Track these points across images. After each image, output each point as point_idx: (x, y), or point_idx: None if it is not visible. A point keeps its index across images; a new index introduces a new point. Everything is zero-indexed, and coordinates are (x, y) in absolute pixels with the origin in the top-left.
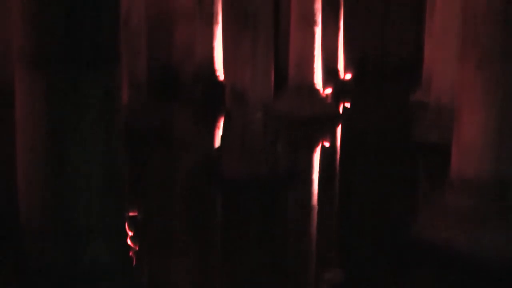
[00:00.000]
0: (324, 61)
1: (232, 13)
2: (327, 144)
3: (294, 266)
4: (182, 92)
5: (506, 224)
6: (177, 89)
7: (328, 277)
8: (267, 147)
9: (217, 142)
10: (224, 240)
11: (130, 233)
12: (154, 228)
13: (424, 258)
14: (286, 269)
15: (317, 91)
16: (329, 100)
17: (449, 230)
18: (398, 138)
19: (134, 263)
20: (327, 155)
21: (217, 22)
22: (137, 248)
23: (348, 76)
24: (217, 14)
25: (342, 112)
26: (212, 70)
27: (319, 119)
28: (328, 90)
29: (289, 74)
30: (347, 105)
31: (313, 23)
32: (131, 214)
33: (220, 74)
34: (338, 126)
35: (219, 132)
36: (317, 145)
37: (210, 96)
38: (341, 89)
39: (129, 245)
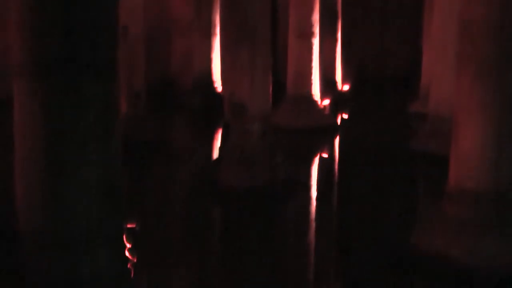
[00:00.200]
0: (322, 72)
1: (230, 25)
2: (325, 155)
3: (293, 277)
4: (180, 103)
5: (503, 234)
6: (176, 100)
7: None
8: (265, 158)
9: (216, 153)
10: (223, 251)
11: (128, 245)
12: (153, 240)
13: (422, 268)
14: (284, 280)
15: (315, 102)
16: (327, 111)
17: (447, 240)
18: (396, 149)
19: (132, 274)
20: (325, 166)
21: (215, 34)
22: (135, 260)
23: (346, 87)
24: (215, 26)
25: (340, 123)
26: (210, 81)
27: (317, 130)
28: (326, 101)
29: (287, 85)
30: (345, 116)
31: (311, 34)
32: (129, 225)
33: (218, 85)
34: (336, 137)
35: (217, 143)
36: (315, 156)
37: (208, 107)
38: (339, 100)
39: (127, 256)
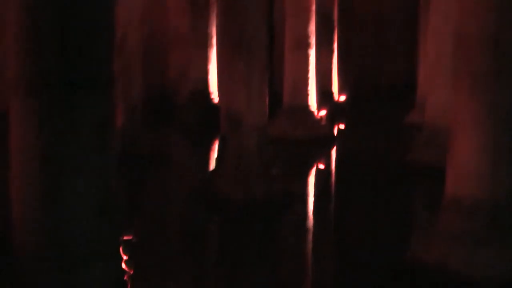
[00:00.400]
0: (319, 83)
1: (226, 37)
2: (322, 166)
3: None
4: (177, 115)
5: (500, 244)
6: (172, 112)
7: None
8: (262, 170)
9: (212, 165)
10: (220, 263)
11: (125, 257)
12: (149, 252)
13: (420, 279)
14: None
15: (312, 113)
16: (323, 122)
17: (444, 251)
18: (393, 160)
19: (129, 287)
20: (322, 177)
21: (211, 46)
22: (132, 272)
23: (343, 98)
24: (211, 38)
25: (337, 134)
26: (207, 93)
27: (314, 141)
28: (323, 112)
29: (283, 96)
30: (342, 127)
31: (307, 45)
32: (125, 237)
33: (215, 97)
34: (332, 148)
35: (214, 155)
36: (312, 167)
37: (205, 119)
38: (335, 111)
39: (124, 269)
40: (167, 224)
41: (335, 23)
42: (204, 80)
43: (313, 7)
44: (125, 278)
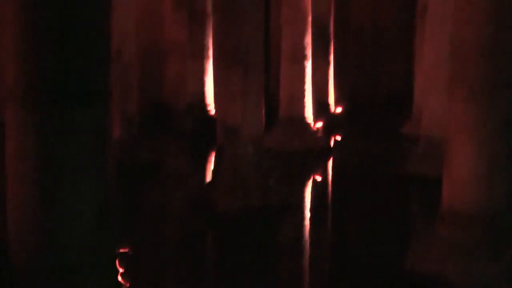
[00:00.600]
0: (315, 95)
1: (222, 49)
2: (318, 178)
3: None
4: (173, 126)
5: (497, 255)
6: (169, 123)
7: None
8: (258, 181)
9: (209, 176)
10: (216, 274)
11: (121, 270)
12: (146, 263)
13: None
14: None
15: (308, 124)
16: (320, 134)
17: (441, 263)
18: (390, 171)
19: None
20: (318, 188)
21: (208, 57)
22: (128, 285)
23: (339, 110)
24: (208, 49)
25: (333, 145)
26: (203, 105)
27: (310, 153)
28: (319, 124)
29: (280, 108)
30: (338, 138)
31: (303, 57)
32: (122, 250)
33: (212, 108)
34: (329, 159)
35: (210, 166)
36: (309, 178)
37: (202, 130)
38: (332, 123)
39: (120, 281)
40: (163, 234)
41: (331, 35)
42: (201, 92)
43: (309, 19)
44: None
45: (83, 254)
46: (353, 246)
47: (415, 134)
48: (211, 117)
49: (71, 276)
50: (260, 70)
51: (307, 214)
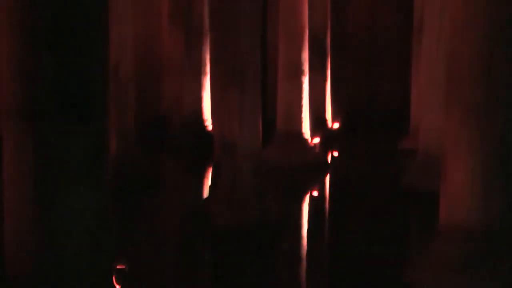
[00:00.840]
0: (312, 110)
1: (220, 64)
2: (315, 194)
3: None
4: (170, 142)
5: (494, 271)
6: (166, 139)
7: None
8: (255, 197)
9: (206, 192)
10: None
11: (118, 286)
12: (143, 279)
13: None
14: None
15: (305, 140)
16: (317, 149)
17: (438, 277)
18: (387, 186)
19: None
20: (316, 204)
21: (205, 73)
22: None
23: (336, 125)
24: (205, 65)
25: (331, 161)
26: (201, 120)
27: (308, 169)
28: (316, 139)
29: (277, 123)
30: (336, 154)
31: (300, 72)
32: (118, 266)
33: (209, 124)
34: (326, 175)
35: (208, 182)
36: (306, 194)
37: (199, 147)
38: (329, 138)
39: None
40: (160, 250)
41: (328, 50)
42: (198, 107)
43: (306, 34)
44: None
45: (80, 267)
46: (350, 261)
47: (412, 150)
48: (208, 132)
49: None
50: (257, 86)
51: (304, 229)
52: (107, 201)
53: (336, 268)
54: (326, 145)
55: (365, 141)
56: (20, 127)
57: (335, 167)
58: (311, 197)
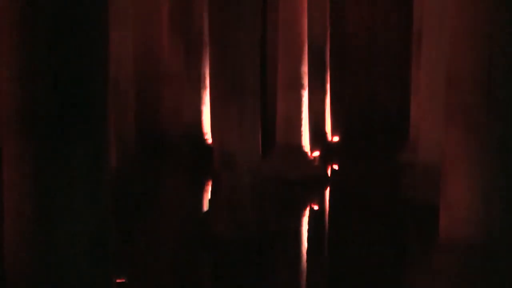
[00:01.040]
0: (312, 123)
1: (219, 78)
2: (315, 207)
3: None
4: (170, 154)
5: (494, 284)
6: (165, 151)
7: None
8: (255, 210)
9: (206, 205)
10: None
11: None
12: None
13: None
14: None
15: (305, 153)
16: (317, 162)
17: None
18: (387, 199)
19: None
20: (315, 217)
21: (205, 87)
22: None
23: (336, 139)
24: (205, 79)
25: (331, 174)
26: (201, 133)
27: (307, 182)
28: (316, 152)
29: (276, 137)
30: (335, 167)
31: (300, 86)
32: (118, 280)
33: (208, 137)
34: (326, 188)
35: (207, 195)
36: (306, 207)
37: (199, 160)
38: (329, 151)
39: None
40: (160, 262)
41: (328, 63)
42: (198, 121)
43: (306, 48)
44: None
45: (80, 282)
46: (350, 274)
47: (411, 162)
48: (208, 145)
49: None
50: (256, 99)
51: (304, 242)
52: (107, 213)
53: (336, 281)
54: (326, 158)
55: (364, 154)
56: (18, 140)
57: (335, 180)
58: (311, 210)
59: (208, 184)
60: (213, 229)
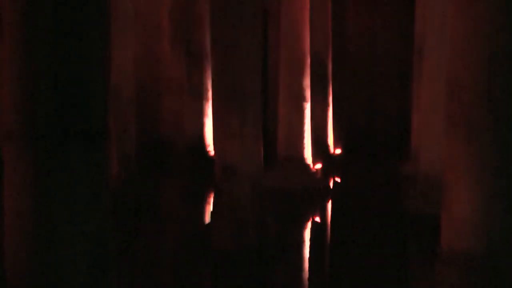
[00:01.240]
0: (314, 136)
1: (221, 89)
2: (317, 219)
3: None
4: (171, 165)
5: None
6: (167, 163)
7: None
8: (256, 221)
9: (207, 216)
10: None
11: None
12: None
13: None
14: None
15: (307, 165)
16: (319, 175)
17: None
18: (389, 211)
19: None
20: (317, 229)
21: (207, 98)
22: None
23: (338, 151)
24: (207, 90)
25: (333, 186)
26: (202, 145)
27: (309, 194)
28: (318, 165)
29: (278, 149)
30: (338, 179)
31: (302, 99)
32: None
33: (210, 149)
34: (328, 201)
35: (209, 207)
36: (308, 219)
37: (200, 170)
38: (331, 164)
39: None
40: (160, 274)
41: (330, 76)
42: (200, 132)
43: (308, 60)
44: None
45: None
46: (352, 286)
47: (413, 174)
48: (210, 157)
49: None
50: (258, 110)
51: (306, 255)
52: (108, 224)
53: None
54: (328, 170)
55: (366, 167)
56: (18, 150)
57: (337, 193)
58: (313, 222)
59: (210, 195)
60: (214, 240)
